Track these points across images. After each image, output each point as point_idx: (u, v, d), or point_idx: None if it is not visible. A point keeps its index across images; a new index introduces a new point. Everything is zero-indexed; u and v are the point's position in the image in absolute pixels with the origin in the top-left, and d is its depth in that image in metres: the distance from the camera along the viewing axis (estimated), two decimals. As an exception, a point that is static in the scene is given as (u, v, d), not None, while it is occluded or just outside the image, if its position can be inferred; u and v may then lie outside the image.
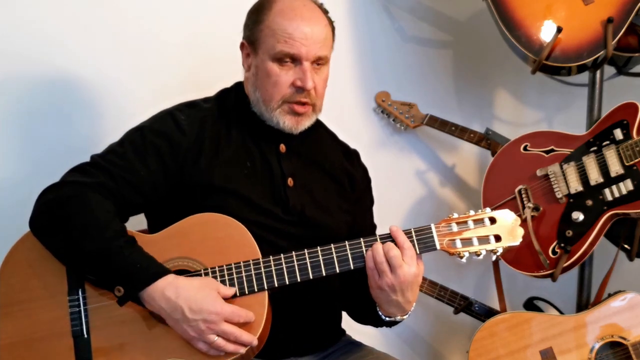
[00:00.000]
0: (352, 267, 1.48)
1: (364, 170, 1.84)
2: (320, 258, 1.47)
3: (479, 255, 1.49)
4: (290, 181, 1.65)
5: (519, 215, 2.20)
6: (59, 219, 1.45)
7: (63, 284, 1.47)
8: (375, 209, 1.88)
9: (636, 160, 2.13)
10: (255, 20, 1.62)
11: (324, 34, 1.60)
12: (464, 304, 2.48)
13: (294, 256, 1.47)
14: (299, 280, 1.47)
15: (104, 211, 1.47)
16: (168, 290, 1.40)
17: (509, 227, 1.49)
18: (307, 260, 1.47)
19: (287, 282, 1.46)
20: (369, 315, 1.63)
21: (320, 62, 1.60)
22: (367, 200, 1.84)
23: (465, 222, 1.50)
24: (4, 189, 1.95)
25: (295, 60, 1.57)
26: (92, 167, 1.53)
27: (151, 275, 1.41)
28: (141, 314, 1.46)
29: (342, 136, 1.87)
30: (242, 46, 1.67)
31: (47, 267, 1.48)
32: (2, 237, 1.56)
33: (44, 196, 1.50)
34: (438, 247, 1.48)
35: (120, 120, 1.76)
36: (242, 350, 1.43)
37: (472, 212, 1.51)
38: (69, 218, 1.44)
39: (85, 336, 1.45)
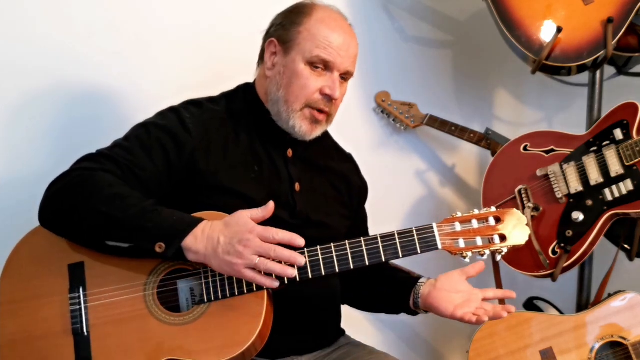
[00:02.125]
0: (351, 266, 1.46)
1: (362, 182, 1.86)
2: (320, 257, 1.45)
3: (482, 255, 1.45)
4: (297, 186, 1.66)
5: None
6: (75, 201, 1.44)
7: (65, 281, 1.47)
8: (375, 209, 1.89)
9: (636, 160, 2.13)
10: (292, 22, 1.63)
11: (356, 52, 1.66)
12: (463, 304, 2.47)
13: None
14: (297, 279, 1.44)
15: (121, 184, 1.47)
16: (206, 229, 1.41)
17: (514, 226, 1.45)
18: (306, 259, 1.45)
19: (286, 282, 1.44)
20: (390, 308, 1.80)
21: (346, 76, 1.65)
22: (363, 208, 1.88)
23: (469, 221, 1.47)
24: (6, 189, 1.94)
25: (328, 68, 1.61)
26: (99, 157, 1.53)
27: (189, 224, 1.42)
28: (141, 312, 1.45)
29: (342, 136, 1.87)
30: (269, 44, 1.66)
31: (50, 265, 1.48)
32: (5, 236, 1.56)
33: (54, 186, 1.49)
34: (440, 246, 1.46)
35: (125, 119, 1.76)
36: (290, 272, 1.39)
37: (476, 211, 1.48)
38: (90, 197, 1.43)
39: (85, 334, 1.44)
